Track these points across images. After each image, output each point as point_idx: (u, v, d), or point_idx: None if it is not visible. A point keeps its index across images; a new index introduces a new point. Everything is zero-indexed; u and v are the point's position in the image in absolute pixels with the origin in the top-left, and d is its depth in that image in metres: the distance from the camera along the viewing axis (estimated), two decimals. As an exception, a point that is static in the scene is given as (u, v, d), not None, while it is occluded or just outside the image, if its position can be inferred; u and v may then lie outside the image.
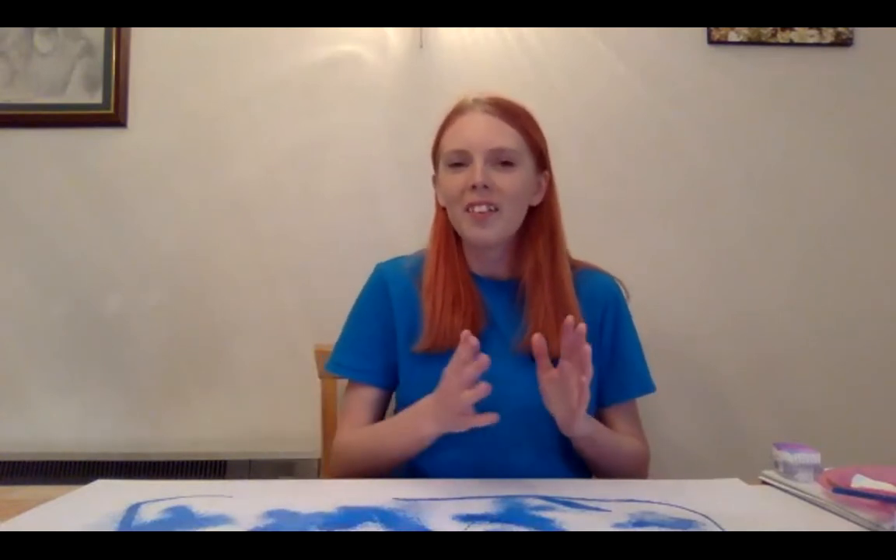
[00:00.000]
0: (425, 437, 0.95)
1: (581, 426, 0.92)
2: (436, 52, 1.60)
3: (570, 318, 0.85)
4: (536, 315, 1.03)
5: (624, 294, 1.15)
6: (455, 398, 0.87)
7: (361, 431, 1.06)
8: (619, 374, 1.11)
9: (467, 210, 1.02)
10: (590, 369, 0.84)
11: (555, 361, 1.00)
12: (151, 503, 0.78)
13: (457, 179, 1.03)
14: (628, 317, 1.14)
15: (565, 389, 0.87)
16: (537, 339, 0.88)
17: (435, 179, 1.13)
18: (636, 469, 1.06)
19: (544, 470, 1.01)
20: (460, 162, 1.04)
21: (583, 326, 0.84)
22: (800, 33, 1.60)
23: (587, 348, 0.84)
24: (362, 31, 1.59)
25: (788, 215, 1.60)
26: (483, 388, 0.85)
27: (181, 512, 0.76)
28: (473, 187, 1.01)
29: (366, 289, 1.15)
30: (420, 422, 0.95)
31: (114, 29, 1.58)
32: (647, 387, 1.12)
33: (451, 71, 1.59)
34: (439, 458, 1.02)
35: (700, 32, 1.61)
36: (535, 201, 1.09)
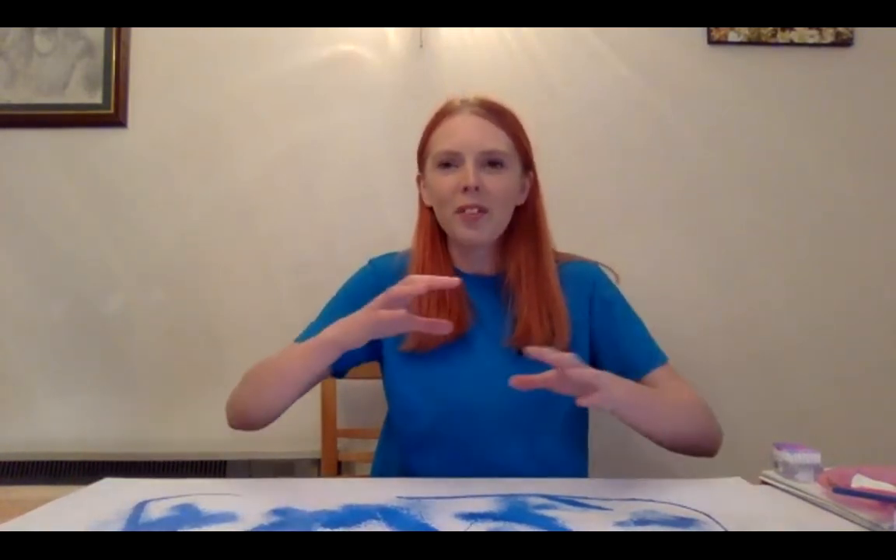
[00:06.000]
0: (327, 340, 0.94)
1: (611, 396, 0.87)
2: (436, 52, 1.60)
3: (530, 349, 0.85)
4: (522, 310, 1.04)
5: (610, 277, 1.15)
6: (368, 307, 0.90)
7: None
8: (628, 354, 1.07)
9: (458, 212, 1.03)
10: (566, 359, 0.84)
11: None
12: (158, 501, 0.79)
13: (447, 180, 1.04)
14: (618, 298, 1.13)
15: (566, 386, 0.86)
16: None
17: (419, 179, 1.14)
18: (698, 417, 1.02)
19: (539, 459, 1.02)
20: (450, 163, 1.05)
21: (536, 349, 0.85)
22: (800, 33, 1.60)
23: (553, 356, 0.84)
24: (362, 31, 1.59)
25: (788, 215, 1.60)
26: (400, 314, 0.87)
27: (188, 509, 0.76)
28: (465, 189, 1.02)
29: (355, 279, 1.15)
30: (325, 331, 0.95)
31: (114, 29, 1.58)
32: (657, 358, 1.08)
33: (451, 71, 1.59)
34: (430, 455, 1.04)
35: (700, 32, 1.61)
36: (520, 201, 1.10)
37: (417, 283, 0.88)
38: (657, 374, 1.06)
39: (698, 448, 1.02)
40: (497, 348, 1.04)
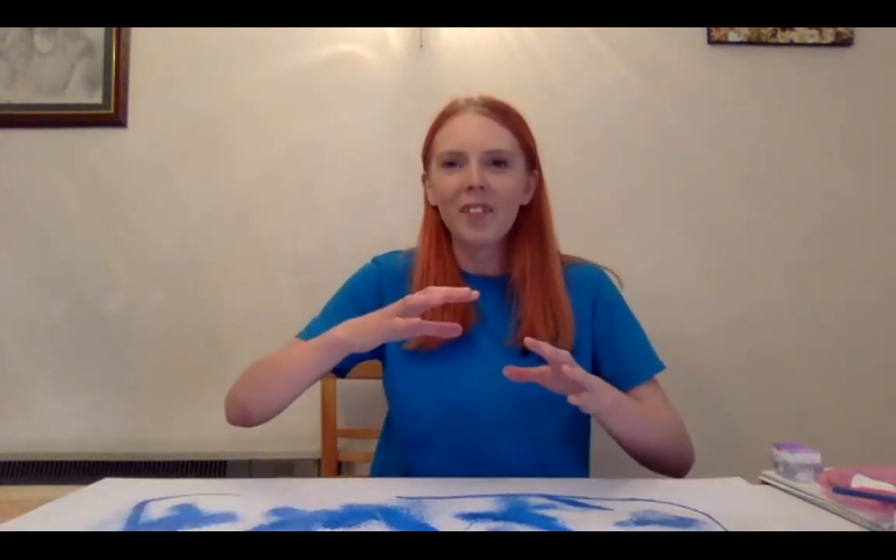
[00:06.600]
0: (335, 341, 0.94)
1: (597, 400, 0.89)
2: (436, 52, 1.60)
3: (528, 340, 0.86)
4: (527, 310, 1.04)
5: (614, 281, 1.15)
6: (383, 313, 0.90)
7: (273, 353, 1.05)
8: (624, 361, 1.09)
9: (462, 211, 1.04)
10: (561, 356, 0.85)
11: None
12: (158, 501, 0.79)
13: (451, 180, 1.05)
14: (620, 302, 1.14)
15: (559, 383, 0.87)
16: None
17: (425, 179, 1.14)
18: (672, 439, 1.03)
19: (540, 461, 1.02)
20: (454, 162, 1.05)
21: (534, 341, 0.86)
22: (800, 33, 1.60)
23: (548, 350, 0.85)
24: (362, 31, 1.59)
25: (788, 215, 1.60)
26: (416, 322, 0.87)
27: (188, 509, 0.77)
28: (469, 189, 1.02)
29: (359, 276, 1.16)
30: (333, 331, 0.95)
31: (114, 29, 1.58)
32: (653, 367, 1.09)
33: (451, 71, 1.59)
34: (430, 455, 1.04)
35: (700, 32, 1.61)
36: (526, 200, 1.10)
37: (435, 293, 0.88)
38: (645, 389, 1.07)
39: (666, 467, 1.03)
40: (500, 348, 1.04)
